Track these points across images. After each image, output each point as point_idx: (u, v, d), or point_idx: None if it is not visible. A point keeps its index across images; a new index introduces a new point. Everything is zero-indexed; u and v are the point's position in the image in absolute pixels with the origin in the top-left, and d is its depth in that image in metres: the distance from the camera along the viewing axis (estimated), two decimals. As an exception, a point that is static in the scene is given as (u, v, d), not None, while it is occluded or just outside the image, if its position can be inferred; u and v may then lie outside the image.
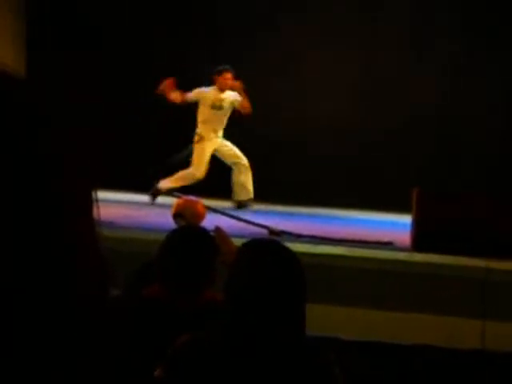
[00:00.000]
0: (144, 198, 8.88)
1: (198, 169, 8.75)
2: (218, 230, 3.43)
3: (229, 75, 8.70)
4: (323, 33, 10.09)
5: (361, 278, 5.41)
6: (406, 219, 6.68)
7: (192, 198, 6.38)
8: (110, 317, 0.64)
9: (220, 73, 8.73)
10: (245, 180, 8.82)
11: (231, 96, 8.79)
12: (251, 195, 8.83)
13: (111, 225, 5.80)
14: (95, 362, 0.60)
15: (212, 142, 8.86)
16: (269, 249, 2.16)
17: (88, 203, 0.61)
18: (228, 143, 8.89)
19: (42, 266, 0.57)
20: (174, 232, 3.09)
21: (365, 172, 9.98)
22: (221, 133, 8.93)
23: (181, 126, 9.41)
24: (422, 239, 6.02)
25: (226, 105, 8.82)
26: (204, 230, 3.12)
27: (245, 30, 10.13)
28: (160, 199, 8.66)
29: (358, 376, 3.81)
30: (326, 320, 5.06)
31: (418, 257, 5.75)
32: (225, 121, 8.91)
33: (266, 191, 9.48)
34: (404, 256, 5.82)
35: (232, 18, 10.16)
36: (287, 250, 2.19)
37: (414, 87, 9.92)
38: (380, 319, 5.25)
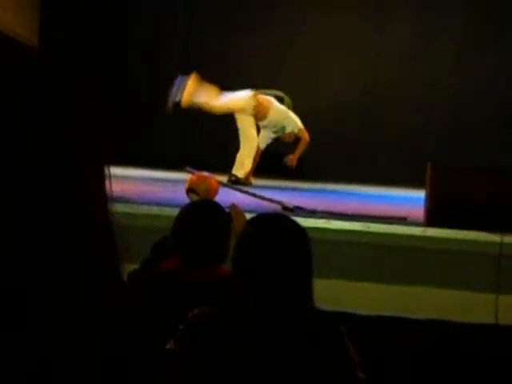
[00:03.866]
0: (158, 174, 8.90)
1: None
2: (232, 206, 3.45)
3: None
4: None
5: (375, 253, 5.42)
6: (420, 194, 6.67)
7: (205, 173, 6.41)
8: (124, 291, 0.65)
9: None
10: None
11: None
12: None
13: (127, 201, 5.82)
14: (110, 336, 0.62)
15: None
16: (274, 222, 2.17)
17: (100, 178, 0.63)
18: None
19: (51, 241, 0.58)
20: (187, 206, 3.11)
21: (379, 147, 9.96)
22: None
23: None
24: (435, 214, 6.02)
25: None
26: (218, 205, 3.14)
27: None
28: (174, 175, 8.66)
29: (370, 349, 3.84)
30: (340, 295, 5.09)
31: (432, 232, 5.75)
32: None
33: (280, 167, 9.48)
34: (418, 231, 5.82)
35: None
36: (293, 222, 2.20)
37: (427, 61, 9.87)
38: (394, 294, 5.27)
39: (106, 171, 0.63)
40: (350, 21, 10.01)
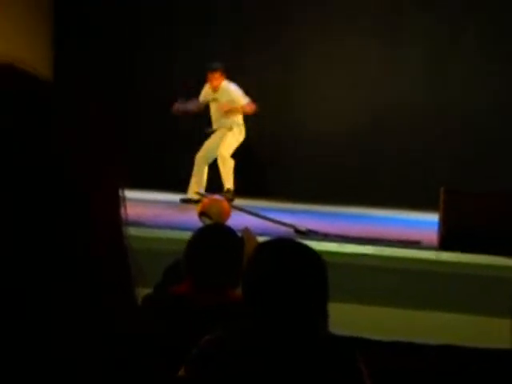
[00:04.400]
0: (171, 197, 8.91)
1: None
2: (245, 229, 3.44)
3: (213, 75, 8.68)
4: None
5: (388, 277, 5.39)
6: (434, 218, 6.65)
7: (217, 196, 6.41)
8: (137, 316, 0.65)
9: (207, 71, 8.75)
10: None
11: (225, 95, 8.74)
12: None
13: (140, 224, 5.82)
14: (123, 361, 0.61)
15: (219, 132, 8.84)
16: (283, 248, 2.13)
17: (114, 203, 0.62)
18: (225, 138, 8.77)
19: (64, 267, 0.57)
20: (200, 230, 3.10)
21: (392, 171, 9.94)
22: (220, 125, 8.83)
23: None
24: (449, 238, 5.99)
25: (218, 100, 8.78)
26: (229, 229, 3.13)
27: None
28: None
29: (384, 375, 3.80)
30: (353, 319, 5.05)
31: (446, 256, 5.72)
32: (219, 114, 8.83)
33: (292, 190, 9.47)
34: (431, 255, 5.79)
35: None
36: (304, 248, 2.16)
37: (438, 85, 9.87)
38: (408, 318, 5.23)
39: (121, 194, 0.62)
40: (355, 46, 10.02)
